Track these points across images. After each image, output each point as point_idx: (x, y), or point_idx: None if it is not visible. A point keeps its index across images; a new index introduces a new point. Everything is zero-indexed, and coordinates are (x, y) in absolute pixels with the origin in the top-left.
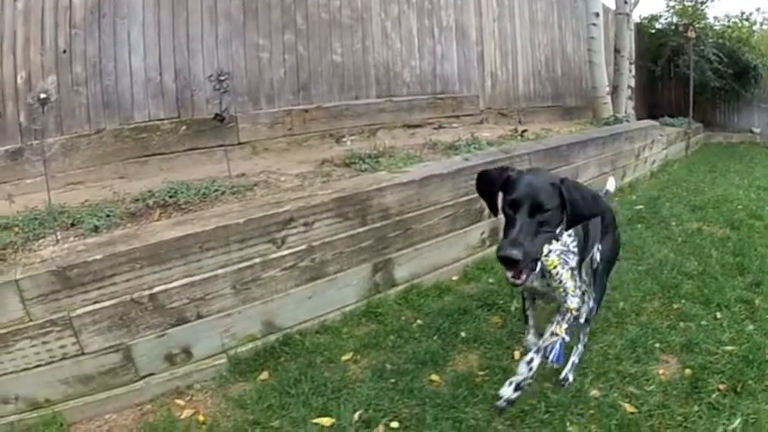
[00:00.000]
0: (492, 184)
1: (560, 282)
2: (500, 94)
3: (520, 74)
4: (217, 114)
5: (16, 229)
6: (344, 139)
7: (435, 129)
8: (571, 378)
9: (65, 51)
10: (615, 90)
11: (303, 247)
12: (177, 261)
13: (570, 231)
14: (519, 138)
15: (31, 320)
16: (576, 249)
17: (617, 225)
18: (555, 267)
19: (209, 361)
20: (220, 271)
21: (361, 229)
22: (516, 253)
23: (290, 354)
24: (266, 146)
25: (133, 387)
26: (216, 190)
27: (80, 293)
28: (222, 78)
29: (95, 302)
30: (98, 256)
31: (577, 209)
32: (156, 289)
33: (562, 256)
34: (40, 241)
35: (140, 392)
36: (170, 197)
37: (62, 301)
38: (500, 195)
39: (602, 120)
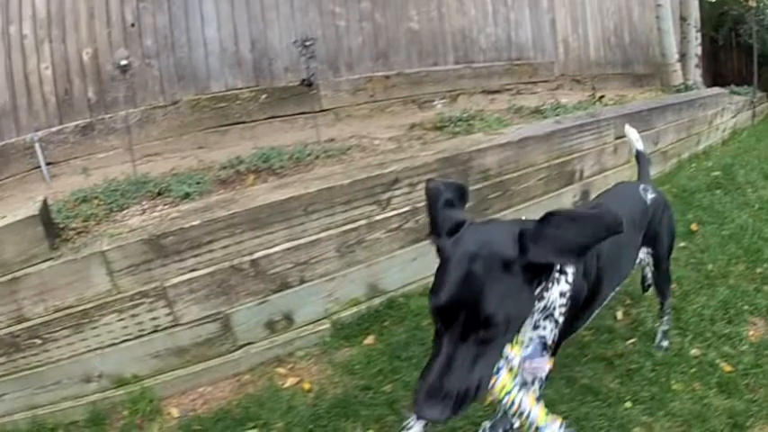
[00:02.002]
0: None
1: (522, 413)
2: (572, 60)
3: (590, 40)
4: (303, 80)
5: (96, 201)
6: (434, 103)
7: (513, 95)
8: (666, 344)
9: (133, 25)
10: (682, 58)
11: (407, 208)
12: (280, 225)
13: (569, 273)
14: (597, 103)
15: (119, 293)
16: (562, 316)
17: (667, 206)
18: (508, 393)
19: (312, 327)
20: (324, 234)
21: None
22: (436, 414)
23: (395, 317)
24: (349, 112)
25: (230, 357)
26: (309, 154)
27: (175, 262)
28: (308, 44)
29: (192, 270)
30: (195, 222)
31: (562, 247)
32: (258, 254)
33: (527, 360)
34: (125, 212)
35: (238, 363)
36: (263, 162)
37: (155, 271)
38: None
39: (672, 87)
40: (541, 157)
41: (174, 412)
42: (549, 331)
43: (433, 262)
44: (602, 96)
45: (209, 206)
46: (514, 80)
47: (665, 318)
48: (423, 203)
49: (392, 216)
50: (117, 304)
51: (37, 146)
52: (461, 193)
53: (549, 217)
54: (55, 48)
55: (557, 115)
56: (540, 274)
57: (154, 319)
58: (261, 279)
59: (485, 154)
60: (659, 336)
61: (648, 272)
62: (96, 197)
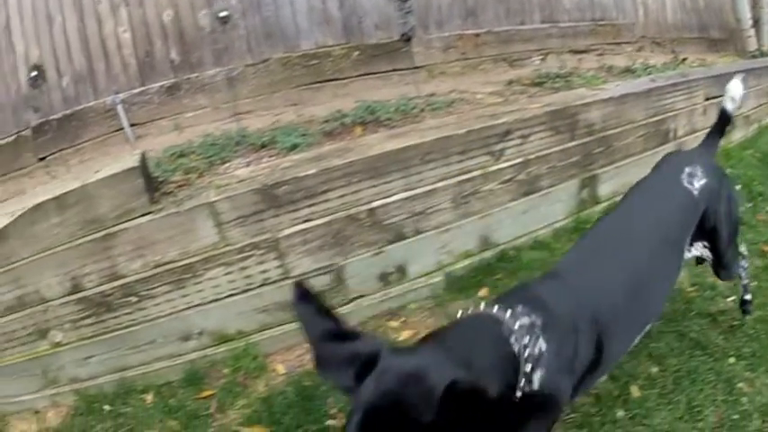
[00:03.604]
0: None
1: None
2: (651, 23)
3: (667, 3)
4: (403, 35)
5: (193, 156)
6: (527, 61)
7: (599, 55)
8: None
9: None
10: (756, 24)
11: (519, 160)
12: (397, 174)
13: (535, 380)
14: (680, 65)
15: (227, 245)
16: None
17: (725, 186)
18: None
19: (424, 279)
20: (440, 184)
21: (570, 144)
22: None
23: (507, 270)
24: (441, 70)
25: (341, 311)
26: (414, 107)
27: (289, 212)
28: None
29: (306, 221)
30: (311, 171)
31: None
32: (375, 204)
33: None
34: (227, 165)
35: (349, 316)
36: (370, 114)
37: (266, 222)
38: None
39: (747, 52)
40: (640, 115)
41: (281, 369)
42: None
43: (545, 215)
44: (684, 59)
45: (324, 155)
46: (599, 41)
47: (745, 283)
48: (534, 156)
49: (505, 168)
50: (224, 257)
51: (119, 107)
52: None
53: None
54: (132, 12)
55: (648, 74)
56: None
57: (263, 272)
58: (376, 229)
59: (590, 108)
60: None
61: (710, 260)
62: (193, 152)
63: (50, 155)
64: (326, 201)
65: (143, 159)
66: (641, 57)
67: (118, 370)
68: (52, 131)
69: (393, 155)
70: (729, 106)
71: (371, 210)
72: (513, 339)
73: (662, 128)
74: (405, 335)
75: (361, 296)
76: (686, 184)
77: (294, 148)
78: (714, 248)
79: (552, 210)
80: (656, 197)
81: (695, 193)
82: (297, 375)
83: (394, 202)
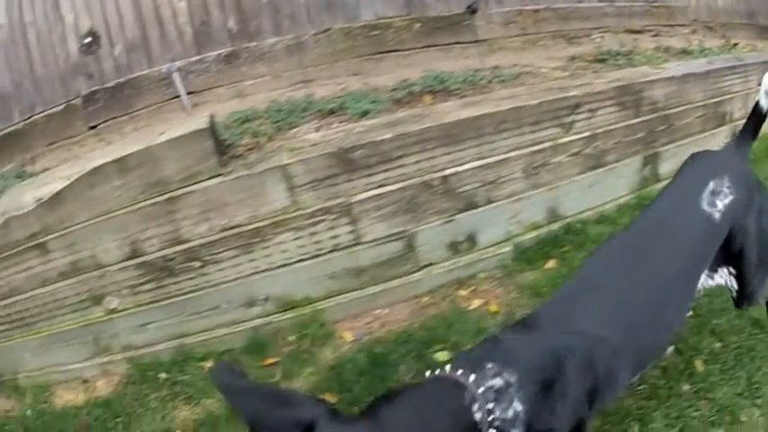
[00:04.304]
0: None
1: None
2: (703, 6)
3: None
4: (468, 6)
5: (260, 120)
6: (587, 38)
7: (654, 36)
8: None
9: None
10: None
11: (587, 133)
12: (471, 142)
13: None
14: (732, 49)
15: (298, 210)
16: None
17: (756, 199)
18: None
19: (494, 249)
20: (513, 153)
21: (634, 120)
22: None
23: (574, 243)
24: (501, 44)
25: (410, 278)
26: (481, 79)
27: (363, 177)
28: None
29: (380, 186)
30: (387, 136)
31: None
32: (448, 171)
33: None
34: (295, 129)
35: (418, 284)
36: (439, 83)
37: (340, 186)
38: None
39: None
40: (699, 95)
41: (348, 336)
42: None
43: (610, 189)
44: (735, 44)
45: (398, 121)
46: (653, 22)
47: None
48: (601, 130)
49: (574, 140)
50: (295, 221)
51: (176, 75)
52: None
53: None
54: None
55: (705, 56)
56: None
57: (334, 237)
58: (449, 197)
59: (653, 86)
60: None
61: (734, 291)
62: (259, 117)
63: (102, 123)
64: (401, 166)
65: (212, 121)
66: (695, 39)
67: (176, 337)
68: (104, 100)
69: (468, 122)
70: (764, 102)
71: (445, 177)
72: (475, 407)
73: (719, 110)
74: (475, 304)
75: (431, 264)
76: (706, 206)
77: (365, 114)
78: (740, 275)
79: (617, 185)
80: (668, 224)
81: (716, 216)
82: (366, 343)
83: (467, 170)
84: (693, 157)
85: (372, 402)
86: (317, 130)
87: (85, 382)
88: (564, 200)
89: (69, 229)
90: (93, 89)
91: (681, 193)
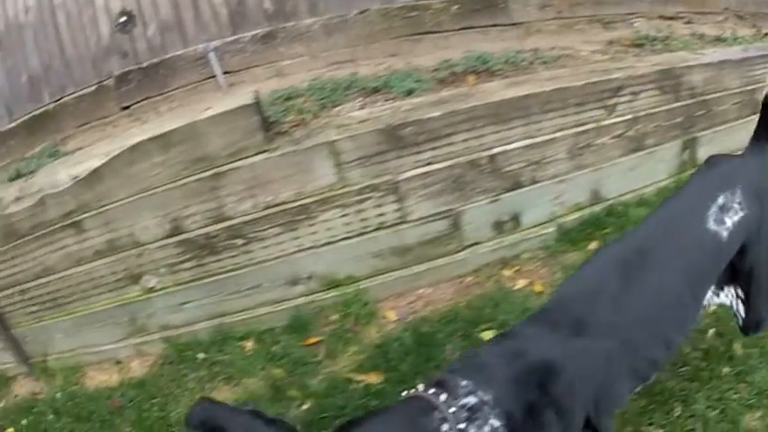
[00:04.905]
0: None
1: None
2: None
3: None
4: None
5: (302, 98)
6: (621, 23)
7: (686, 23)
8: None
9: None
10: None
11: (629, 116)
12: (518, 121)
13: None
14: (764, 38)
15: (345, 187)
16: None
17: None
18: None
19: (537, 230)
20: (558, 134)
21: (674, 105)
22: None
23: (615, 225)
24: (538, 27)
25: (455, 258)
26: (522, 60)
27: (412, 154)
28: None
29: (428, 164)
30: (435, 114)
31: None
32: (495, 150)
33: None
34: (339, 107)
35: (462, 264)
36: (481, 64)
37: (388, 164)
38: None
39: None
40: (735, 82)
41: (391, 315)
42: None
43: (650, 173)
44: (766, 33)
45: (445, 99)
46: (685, 9)
47: None
48: (643, 113)
49: (617, 123)
50: (341, 198)
51: (212, 55)
52: None
53: None
54: None
55: (739, 44)
56: None
57: (380, 215)
58: (495, 176)
59: (692, 71)
60: None
61: (741, 312)
62: (300, 96)
63: (135, 103)
64: (450, 144)
65: (257, 97)
66: (728, 28)
67: (215, 316)
68: (137, 80)
69: (515, 102)
70: None
71: (492, 156)
72: (445, 427)
73: (753, 97)
74: (520, 284)
75: (476, 243)
76: (713, 224)
77: (410, 92)
78: (747, 299)
79: (656, 168)
80: (670, 239)
81: (724, 234)
82: (412, 322)
83: (514, 149)
84: (708, 162)
85: (343, 425)
86: (362, 107)
87: (119, 363)
88: (606, 182)
89: (107, 207)
90: (127, 69)
91: (687, 207)
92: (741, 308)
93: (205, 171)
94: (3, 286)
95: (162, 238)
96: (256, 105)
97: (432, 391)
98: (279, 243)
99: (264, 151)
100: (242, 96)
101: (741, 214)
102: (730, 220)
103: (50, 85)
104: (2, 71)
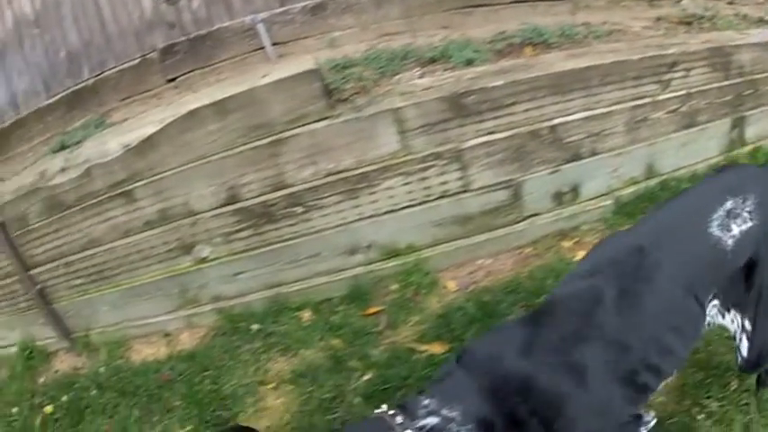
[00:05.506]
0: None
1: None
2: None
3: None
4: None
5: (359, 67)
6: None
7: (729, 3)
8: None
9: None
10: None
11: (683, 92)
12: (578, 93)
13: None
14: None
15: (408, 154)
16: None
17: None
18: None
19: (595, 202)
20: (616, 107)
21: (725, 83)
22: None
23: None
24: (585, 3)
25: (515, 228)
26: (577, 33)
27: (475, 123)
28: None
29: (490, 133)
30: (498, 83)
31: None
32: (556, 121)
33: None
34: (398, 76)
35: (521, 234)
36: (537, 36)
37: (451, 132)
38: None
39: None
40: None
41: (452, 285)
42: None
43: (701, 149)
44: None
45: (506, 69)
46: None
47: None
48: (695, 90)
49: (671, 98)
50: (404, 166)
51: (260, 26)
52: None
53: None
54: None
55: None
56: None
57: (443, 183)
58: (556, 147)
59: (740, 50)
60: None
61: (743, 348)
62: (356, 65)
63: (181, 75)
64: (512, 114)
65: (318, 63)
66: (761, 9)
67: (270, 287)
68: (183, 52)
69: (576, 73)
70: None
71: (553, 126)
72: None
73: None
74: (579, 255)
75: (536, 214)
76: (716, 229)
77: (470, 62)
78: (753, 327)
79: (708, 145)
80: (669, 240)
81: (728, 242)
82: (474, 292)
83: (574, 120)
84: (724, 167)
85: None
86: (422, 77)
87: (167, 335)
88: (660, 156)
89: (159, 176)
90: (172, 42)
91: (691, 208)
92: (744, 344)
93: (264, 138)
94: (46, 260)
95: (217, 207)
96: (317, 72)
97: (392, 411)
98: (339, 211)
99: (326, 118)
100: (301, 63)
101: (750, 224)
102: (737, 228)
103: (90, 60)
104: (40, 48)
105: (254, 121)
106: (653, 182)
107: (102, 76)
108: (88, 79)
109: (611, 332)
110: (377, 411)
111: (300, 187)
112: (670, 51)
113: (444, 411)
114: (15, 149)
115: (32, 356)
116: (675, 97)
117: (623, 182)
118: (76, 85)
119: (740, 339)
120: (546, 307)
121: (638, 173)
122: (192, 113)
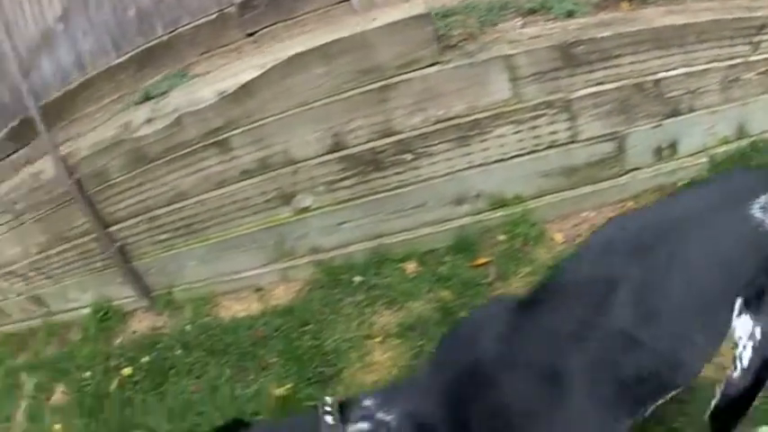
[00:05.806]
0: None
1: None
2: None
3: None
4: None
5: (460, 16)
6: None
7: None
8: None
9: None
10: None
11: None
12: (678, 48)
13: None
14: None
15: (519, 102)
16: None
17: None
18: None
19: (692, 159)
20: (712, 65)
21: None
22: None
23: (758, 161)
24: None
25: (617, 182)
26: None
27: (584, 73)
28: None
29: (598, 84)
30: (606, 34)
31: None
32: (659, 75)
33: None
34: (499, 26)
35: (623, 188)
36: None
37: (561, 81)
38: None
39: None
40: None
41: (558, 237)
42: None
43: None
44: None
45: (607, 22)
46: None
47: None
48: None
49: (760, 60)
50: (515, 114)
51: None
52: None
53: None
54: None
55: None
56: None
57: (552, 133)
58: (658, 101)
59: None
60: None
61: (744, 358)
62: (456, 14)
63: (262, 29)
64: (618, 66)
65: (430, 7)
66: None
67: (373, 237)
68: (263, 5)
69: (675, 29)
70: None
71: (657, 81)
72: None
73: None
74: None
75: (637, 168)
76: (758, 212)
77: (571, 14)
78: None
79: None
80: (699, 224)
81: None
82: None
83: (675, 76)
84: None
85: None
86: (523, 27)
87: (259, 290)
88: (750, 117)
89: (258, 123)
90: None
91: (724, 193)
92: (748, 353)
93: (373, 83)
94: (127, 216)
95: (321, 155)
96: (429, 16)
97: (328, 409)
98: (448, 159)
99: (437, 63)
100: (413, 6)
101: None
102: None
103: (163, 17)
104: (108, 6)
105: (363, 66)
106: (744, 142)
107: (175, 32)
108: (162, 36)
109: (618, 327)
110: (317, 404)
111: (409, 134)
112: (758, 14)
113: (380, 415)
114: (83, 110)
115: (107, 317)
116: (764, 60)
117: (716, 140)
118: (151, 41)
119: (744, 347)
120: (543, 292)
121: (730, 132)
122: (293, 58)
